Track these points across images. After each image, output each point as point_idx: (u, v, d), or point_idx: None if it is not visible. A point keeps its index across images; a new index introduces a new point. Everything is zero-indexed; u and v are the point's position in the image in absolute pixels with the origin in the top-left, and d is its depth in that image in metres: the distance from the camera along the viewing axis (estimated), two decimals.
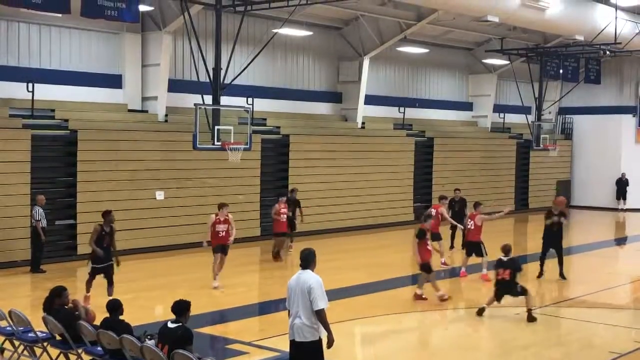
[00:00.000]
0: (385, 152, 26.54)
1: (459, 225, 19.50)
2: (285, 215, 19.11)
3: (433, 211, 17.90)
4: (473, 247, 17.18)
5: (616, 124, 34.19)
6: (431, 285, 14.59)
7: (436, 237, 18.46)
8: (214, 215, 15.65)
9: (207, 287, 15.41)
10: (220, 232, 15.48)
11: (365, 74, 26.12)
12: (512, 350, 11.86)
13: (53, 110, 19.09)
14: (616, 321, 13.79)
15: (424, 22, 25.04)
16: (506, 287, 13.22)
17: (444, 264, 18.27)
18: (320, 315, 8.07)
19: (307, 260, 8.29)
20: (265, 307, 14.77)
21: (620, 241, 27.04)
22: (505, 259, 13.35)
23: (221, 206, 15.70)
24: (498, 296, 13.34)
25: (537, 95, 30.13)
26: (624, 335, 12.84)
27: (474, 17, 24.46)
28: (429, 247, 14.76)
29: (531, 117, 30.72)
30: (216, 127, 18.52)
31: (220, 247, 15.54)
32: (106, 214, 13.80)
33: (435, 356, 11.75)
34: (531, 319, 13.03)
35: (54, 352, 9.71)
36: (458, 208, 20.73)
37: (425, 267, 14.52)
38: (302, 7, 20.63)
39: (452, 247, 20.79)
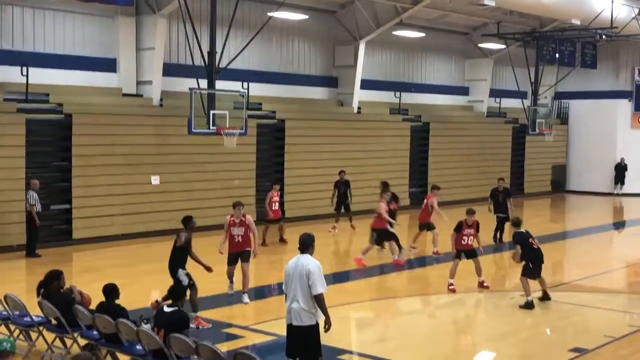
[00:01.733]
0: (381, 136, 26.51)
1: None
2: (277, 203, 19.11)
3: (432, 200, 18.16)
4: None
5: (612, 108, 34.17)
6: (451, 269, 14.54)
7: (429, 226, 18.36)
8: (228, 217, 13.30)
9: (203, 272, 15.34)
10: (236, 237, 13.07)
11: (361, 59, 26.03)
12: (506, 334, 11.89)
13: (47, 95, 18.98)
14: (611, 305, 13.85)
15: (420, 5, 24.90)
16: (541, 258, 13.25)
17: (436, 253, 17.99)
18: (318, 300, 8.08)
19: (306, 245, 8.28)
20: (262, 292, 14.78)
21: (616, 226, 27.09)
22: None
23: (235, 205, 13.31)
24: (539, 272, 13.20)
25: (533, 79, 30.03)
26: (619, 319, 12.90)
27: (470, 0, 24.36)
28: (463, 241, 14.37)
29: (527, 102, 30.66)
30: (211, 112, 18.48)
31: (233, 257, 13.23)
32: (188, 220, 11.81)
33: (429, 339, 11.75)
34: (546, 297, 13.26)
35: (49, 336, 9.72)
36: (502, 199, 19.97)
37: (458, 255, 14.41)
38: None
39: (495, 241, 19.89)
